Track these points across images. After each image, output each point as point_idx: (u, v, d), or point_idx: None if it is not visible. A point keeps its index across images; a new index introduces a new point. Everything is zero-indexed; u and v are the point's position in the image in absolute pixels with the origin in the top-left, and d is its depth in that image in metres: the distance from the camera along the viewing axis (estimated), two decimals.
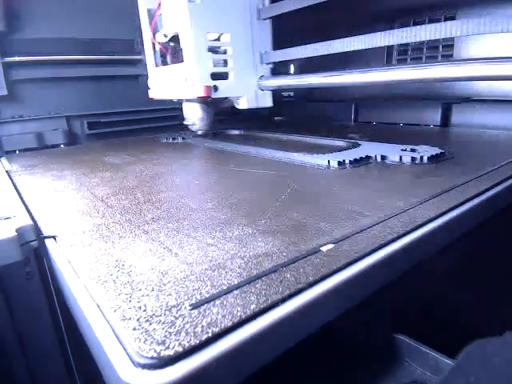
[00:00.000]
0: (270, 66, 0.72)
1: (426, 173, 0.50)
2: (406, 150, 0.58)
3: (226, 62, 0.67)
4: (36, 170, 0.63)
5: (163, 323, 0.21)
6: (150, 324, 0.21)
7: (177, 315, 0.21)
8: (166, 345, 0.19)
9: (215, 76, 0.66)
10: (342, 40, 0.59)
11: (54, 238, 0.34)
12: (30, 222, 0.34)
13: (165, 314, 0.21)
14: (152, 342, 0.19)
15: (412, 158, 0.54)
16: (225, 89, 0.67)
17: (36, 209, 0.41)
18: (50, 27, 0.94)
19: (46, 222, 0.37)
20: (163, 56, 0.73)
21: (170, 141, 0.89)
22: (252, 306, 0.22)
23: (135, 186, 0.49)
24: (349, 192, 0.43)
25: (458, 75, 0.50)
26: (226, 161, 0.65)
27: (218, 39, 0.66)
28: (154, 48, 0.73)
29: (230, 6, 0.66)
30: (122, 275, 0.26)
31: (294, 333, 0.23)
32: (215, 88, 0.65)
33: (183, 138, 0.88)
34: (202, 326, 0.20)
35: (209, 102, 0.72)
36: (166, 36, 0.68)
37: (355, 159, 0.55)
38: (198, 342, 0.19)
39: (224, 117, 1.20)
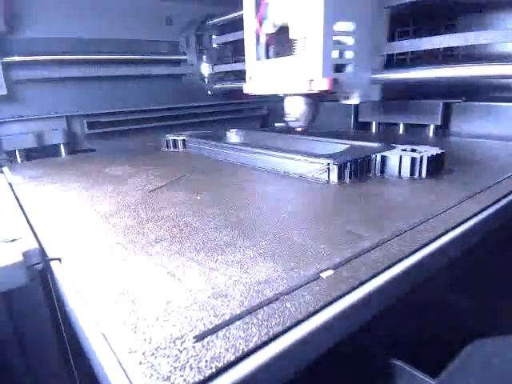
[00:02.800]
0: (384, 57, 0.70)
1: (426, 189, 0.50)
2: (406, 150, 0.58)
3: (348, 54, 0.63)
4: (38, 181, 0.64)
5: (168, 357, 0.21)
6: (156, 358, 0.21)
7: (181, 348, 0.22)
8: (172, 381, 0.20)
9: (336, 68, 0.61)
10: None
11: (59, 260, 0.34)
12: (36, 245, 0.34)
13: (169, 347, 0.22)
14: (158, 378, 0.20)
15: (411, 171, 0.54)
16: (343, 82, 0.61)
17: (40, 228, 0.42)
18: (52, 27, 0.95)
19: (51, 243, 0.38)
20: (267, 48, 0.68)
21: (171, 149, 0.90)
22: (254, 339, 0.23)
23: (137, 203, 0.50)
24: (349, 211, 0.44)
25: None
26: (225, 173, 0.65)
27: (344, 29, 0.61)
28: (258, 39, 0.67)
29: None
30: (126, 303, 0.27)
31: (294, 363, 0.24)
32: (335, 81, 0.59)
33: (184, 146, 0.89)
34: (206, 361, 0.21)
35: (315, 97, 0.66)
36: (274, 26, 0.63)
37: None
38: (202, 378, 0.20)
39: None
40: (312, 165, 0.56)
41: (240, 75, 1.19)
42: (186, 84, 1.24)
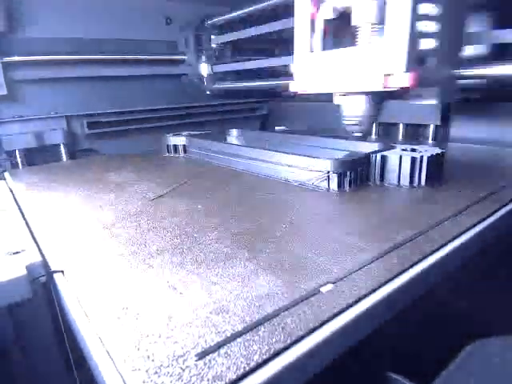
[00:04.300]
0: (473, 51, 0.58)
1: (426, 198, 0.51)
2: (406, 150, 0.58)
3: (434, 42, 0.51)
4: (40, 188, 0.64)
5: (171, 375, 0.22)
6: (159, 376, 0.22)
7: (183, 366, 0.22)
8: None
9: (421, 61, 0.51)
10: None
11: (62, 272, 0.35)
12: (40, 258, 0.35)
13: (172, 365, 0.23)
14: None
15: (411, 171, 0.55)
16: (425, 77, 0.50)
17: (42, 238, 0.42)
18: (52, 27, 0.95)
19: (54, 254, 0.38)
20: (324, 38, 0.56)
21: (172, 154, 0.90)
22: (255, 357, 0.23)
23: (139, 212, 0.50)
24: (348, 221, 0.44)
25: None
26: (225, 180, 0.66)
27: (428, 15, 0.50)
28: (312, 27, 0.56)
29: None
30: (129, 318, 0.27)
31: (294, 380, 0.24)
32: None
33: (184, 151, 0.90)
34: (208, 380, 0.21)
35: (384, 96, 0.56)
36: (336, 10, 0.53)
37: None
38: None
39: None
40: (312, 173, 0.57)
41: (239, 75, 1.19)
42: (185, 84, 1.24)
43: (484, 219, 0.43)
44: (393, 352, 0.34)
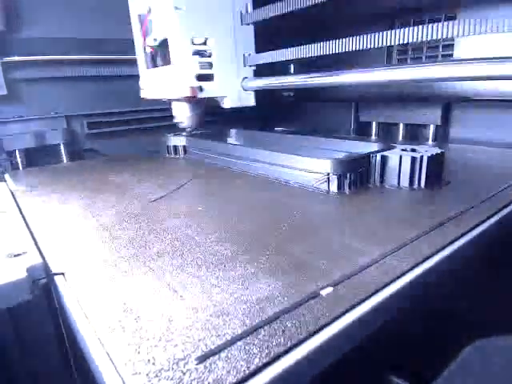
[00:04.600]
0: (253, 68, 0.77)
1: (426, 200, 0.51)
2: (406, 150, 0.59)
3: (211, 65, 0.73)
4: (40, 190, 0.64)
5: (171, 379, 0.22)
6: (160, 380, 0.22)
7: (184, 370, 0.23)
8: None
9: (201, 77, 0.71)
10: (318, 44, 0.59)
11: (62, 274, 0.35)
12: (40, 260, 0.35)
13: (173, 369, 0.23)
14: None
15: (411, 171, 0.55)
16: (210, 89, 0.72)
17: (43, 240, 0.42)
18: (52, 27, 0.95)
19: (55, 257, 0.38)
20: (153, 58, 0.79)
21: (172, 155, 0.90)
22: (255, 360, 0.23)
23: (139, 214, 0.50)
24: (348, 223, 0.44)
25: (459, 75, 0.48)
26: (225, 181, 0.66)
27: (204, 43, 0.71)
28: (145, 51, 0.78)
29: (215, 13, 0.71)
30: (130, 321, 0.27)
31: (295, 382, 0.24)
32: (200, 88, 0.70)
33: (185, 153, 0.90)
34: (209, 383, 0.21)
35: (196, 102, 0.77)
36: (155, 40, 0.74)
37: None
38: None
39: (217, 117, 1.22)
40: (312, 174, 0.57)
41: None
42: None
43: (484, 221, 0.43)
44: (393, 353, 0.35)
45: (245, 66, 0.76)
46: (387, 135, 1.10)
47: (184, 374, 0.22)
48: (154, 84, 0.77)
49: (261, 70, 0.79)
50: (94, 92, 1.06)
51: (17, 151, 0.90)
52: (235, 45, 0.74)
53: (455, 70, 0.47)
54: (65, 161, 0.98)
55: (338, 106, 1.19)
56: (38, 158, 0.96)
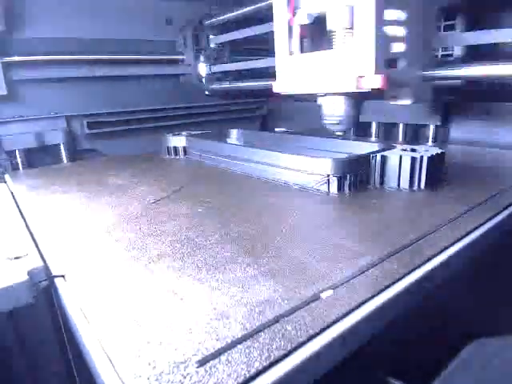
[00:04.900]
0: (433, 53, 0.63)
1: (426, 202, 0.51)
2: (406, 150, 0.58)
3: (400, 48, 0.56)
4: (40, 191, 0.64)
5: (172, 383, 0.22)
6: (160, 383, 0.22)
7: (185, 373, 0.23)
8: None
9: (391, 63, 0.55)
10: None
11: (63, 277, 0.35)
12: (41, 263, 0.35)
13: (173, 372, 0.23)
14: None
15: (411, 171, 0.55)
16: (395, 79, 0.54)
17: (43, 242, 0.42)
18: (52, 27, 0.96)
19: (55, 259, 0.38)
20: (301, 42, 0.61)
21: (172, 156, 0.90)
22: (256, 364, 0.23)
23: (139, 215, 0.50)
24: (348, 225, 0.44)
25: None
26: (225, 183, 0.66)
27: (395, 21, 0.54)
28: (290, 32, 0.59)
29: None
30: (131, 324, 0.27)
31: None
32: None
33: (185, 154, 0.90)
34: None
35: (362, 96, 0.59)
36: (310, 16, 0.57)
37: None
38: None
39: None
40: (312, 176, 0.57)
41: (238, 75, 1.19)
42: (184, 84, 1.24)
43: (484, 223, 0.43)
44: (393, 355, 0.35)
45: (430, 49, 0.61)
46: (387, 135, 1.10)
47: (185, 377, 0.22)
48: (304, 74, 0.59)
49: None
50: (94, 92, 1.06)
51: (17, 151, 0.91)
52: (421, 23, 0.57)
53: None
54: (65, 161, 0.99)
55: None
56: (38, 158, 0.96)
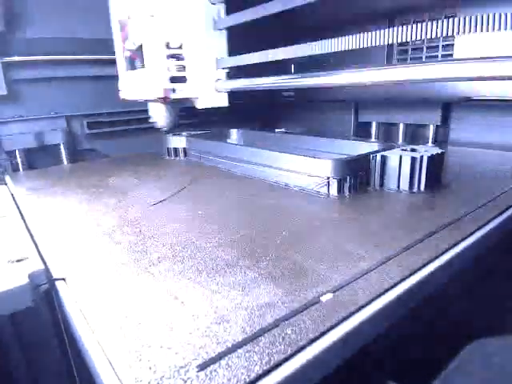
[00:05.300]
0: (226, 70, 0.80)
1: (425, 204, 0.51)
2: (406, 150, 0.59)
3: (184, 68, 0.76)
4: (41, 193, 0.64)
5: None
6: None
7: (185, 378, 0.23)
8: None
9: (174, 80, 0.74)
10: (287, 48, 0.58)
11: (63, 280, 0.35)
12: (42, 266, 0.35)
13: (174, 377, 0.23)
14: None
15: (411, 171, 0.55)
16: (182, 91, 0.76)
17: (44, 245, 0.43)
18: (56, 27, 0.95)
19: (56, 262, 0.38)
20: (132, 61, 0.81)
21: (172, 157, 0.91)
22: (256, 368, 0.23)
23: (139, 218, 0.50)
24: (348, 228, 0.44)
25: (458, 75, 0.46)
26: (225, 185, 0.66)
27: (180, 47, 0.74)
28: (124, 54, 0.81)
29: (188, 19, 0.74)
30: (131, 328, 0.28)
31: None
32: (173, 90, 0.74)
33: (185, 155, 0.90)
34: None
35: (171, 103, 0.80)
36: (134, 44, 0.77)
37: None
38: None
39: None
40: (312, 178, 0.57)
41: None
42: None
43: (484, 225, 0.43)
44: (392, 356, 0.35)
45: (217, 69, 0.79)
46: (387, 135, 1.10)
47: (185, 381, 0.22)
48: (131, 86, 0.81)
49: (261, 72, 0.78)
50: (94, 92, 1.06)
51: (17, 151, 0.91)
52: (209, 49, 0.77)
53: (452, 69, 0.46)
54: (65, 160, 0.99)
55: (338, 106, 1.19)
56: (38, 158, 0.97)
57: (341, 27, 0.98)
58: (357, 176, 0.56)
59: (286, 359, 0.24)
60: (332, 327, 0.27)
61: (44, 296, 0.34)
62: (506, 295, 0.50)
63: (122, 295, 0.32)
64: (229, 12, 0.76)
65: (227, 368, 0.23)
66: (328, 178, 0.55)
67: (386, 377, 0.30)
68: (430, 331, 0.42)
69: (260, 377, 0.23)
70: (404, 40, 0.47)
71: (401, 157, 0.55)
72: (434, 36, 0.45)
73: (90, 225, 0.49)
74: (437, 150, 0.57)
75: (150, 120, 0.84)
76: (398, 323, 0.32)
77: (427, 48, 0.95)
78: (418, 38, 0.47)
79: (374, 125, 1.10)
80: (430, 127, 0.97)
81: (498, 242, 0.45)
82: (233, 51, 0.80)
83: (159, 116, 0.82)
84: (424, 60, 0.96)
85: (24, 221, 0.50)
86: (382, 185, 0.58)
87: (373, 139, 1.10)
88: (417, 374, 0.32)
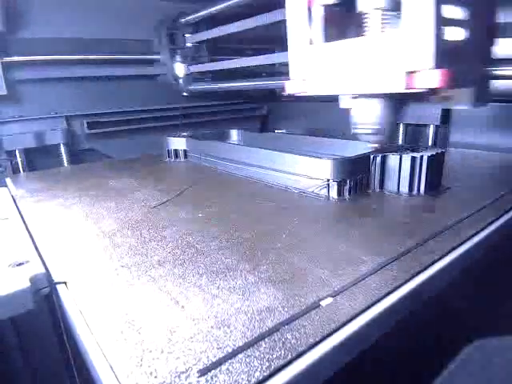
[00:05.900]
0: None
1: (425, 206, 0.51)
2: (406, 150, 0.58)
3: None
4: (41, 196, 0.65)
5: None
6: None
7: (186, 383, 0.23)
8: None
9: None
10: None
11: (65, 283, 0.35)
12: (43, 270, 0.35)
13: (175, 382, 0.23)
14: None
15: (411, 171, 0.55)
16: (457, 76, 0.38)
17: (45, 248, 0.43)
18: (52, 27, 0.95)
19: (57, 265, 0.38)
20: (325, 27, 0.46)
21: (173, 159, 0.91)
22: (256, 374, 0.23)
23: (140, 220, 0.50)
24: (348, 231, 0.44)
25: None
26: (225, 187, 0.66)
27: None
28: (309, 15, 0.45)
29: None
30: (132, 332, 0.28)
31: None
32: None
33: (185, 156, 0.90)
34: None
35: (404, 98, 0.47)
36: None
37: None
38: None
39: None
40: (311, 180, 0.57)
41: (216, 75, 1.17)
42: (161, 85, 1.19)
43: (484, 227, 0.43)
44: (393, 359, 0.35)
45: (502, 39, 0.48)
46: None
47: None
48: (329, 69, 0.46)
49: None
50: (94, 92, 1.06)
51: (17, 151, 0.91)
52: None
53: None
54: (65, 160, 0.99)
55: (337, 106, 1.18)
56: (38, 158, 0.97)
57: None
58: (356, 178, 0.56)
59: (287, 364, 0.24)
60: (332, 332, 0.27)
61: (45, 299, 0.34)
62: (507, 295, 0.50)
63: (123, 299, 0.32)
64: None
65: (228, 373, 0.23)
66: (328, 180, 0.55)
67: (387, 378, 0.30)
68: (430, 332, 0.42)
69: (260, 382, 0.23)
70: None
71: (401, 157, 0.55)
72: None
73: (91, 228, 0.49)
74: (437, 150, 0.57)
75: (358, 130, 0.50)
76: (398, 326, 0.32)
77: None
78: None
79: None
80: (430, 127, 0.97)
81: (499, 242, 0.46)
82: None
83: (380, 122, 0.47)
84: None
85: (25, 224, 0.50)
86: (381, 187, 0.58)
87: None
88: (417, 375, 0.32)
